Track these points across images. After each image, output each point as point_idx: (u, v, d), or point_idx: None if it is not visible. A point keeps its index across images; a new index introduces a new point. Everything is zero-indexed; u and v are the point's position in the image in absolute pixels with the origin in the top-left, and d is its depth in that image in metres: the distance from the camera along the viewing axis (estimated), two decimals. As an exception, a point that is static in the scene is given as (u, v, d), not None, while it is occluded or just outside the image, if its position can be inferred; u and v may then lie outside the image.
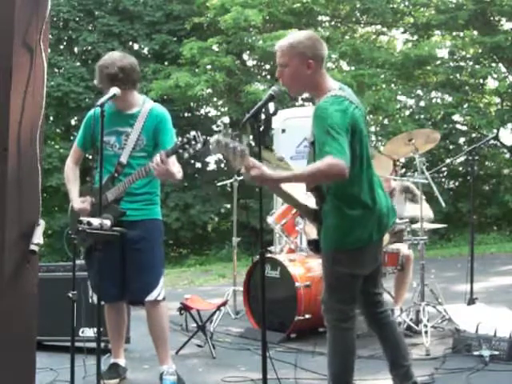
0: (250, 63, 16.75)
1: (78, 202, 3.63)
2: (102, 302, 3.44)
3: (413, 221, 4.86)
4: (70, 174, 3.77)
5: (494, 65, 15.07)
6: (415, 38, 15.85)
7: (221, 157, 17.19)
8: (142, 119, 3.60)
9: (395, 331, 3.14)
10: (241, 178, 6.07)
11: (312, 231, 5.12)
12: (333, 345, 2.98)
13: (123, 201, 3.57)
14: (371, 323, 3.21)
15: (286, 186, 2.95)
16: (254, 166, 2.66)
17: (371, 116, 14.78)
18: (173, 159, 3.39)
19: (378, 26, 17.14)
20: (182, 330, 5.12)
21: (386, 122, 15.69)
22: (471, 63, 15.27)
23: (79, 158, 3.85)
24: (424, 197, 4.87)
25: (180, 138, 3.27)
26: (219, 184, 8.94)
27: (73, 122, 15.85)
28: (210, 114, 17.34)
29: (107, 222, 3.07)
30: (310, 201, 3.05)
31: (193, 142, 3.20)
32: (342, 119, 2.71)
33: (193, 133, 3.22)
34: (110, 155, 3.55)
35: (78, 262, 3.20)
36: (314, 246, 3.05)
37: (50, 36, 10.66)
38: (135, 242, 3.51)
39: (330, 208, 2.87)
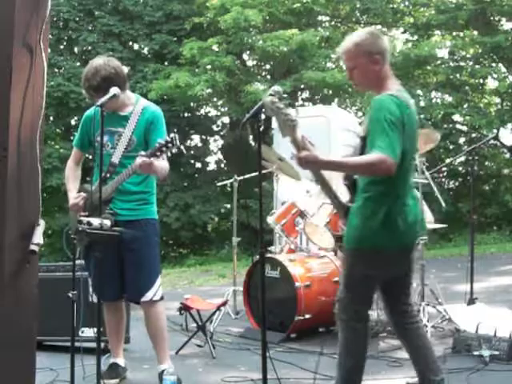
0: (250, 63, 16.74)
1: (72, 199, 3.65)
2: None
3: None
4: (70, 174, 3.79)
5: (494, 65, 15.07)
6: (415, 37, 15.86)
7: (221, 157, 17.22)
8: (134, 120, 3.61)
9: (422, 345, 3.02)
10: (240, 178, 6.08)
11: (313, 231, 5.12)
12: (345, 345, 2.97)
13: (118, 200, 3.57)
14: (398, 334, 3.17)
15: (328, 176, 2.95)
16: (305, 146, 2.71)
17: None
18: (162, 156, 3.37)
19: (378, 26, 17.12)
20: (182, 330, 5.13)
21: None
22: (471, 63, 15.26)
23: (79, 158, 3.86)
24: (424, 202, 4.85)
25: (159, 140, 3.26)
26: (219, 184, 8.92)
27: (73, 122, 15.84)
28: (209, 114, 17.34)
29: (107, 222, 3.07)
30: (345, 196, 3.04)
31: (169, 145, 3.20)
32: (397, 115, 2.72)
33: (171, 135, 3.23)
34: (103, 155, 3.55)
35: (77, 261, 3.20)
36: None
37: (50, 36, 10.67)
38: (130, 241, 3.49)
39: (356, 208, 2.88)
